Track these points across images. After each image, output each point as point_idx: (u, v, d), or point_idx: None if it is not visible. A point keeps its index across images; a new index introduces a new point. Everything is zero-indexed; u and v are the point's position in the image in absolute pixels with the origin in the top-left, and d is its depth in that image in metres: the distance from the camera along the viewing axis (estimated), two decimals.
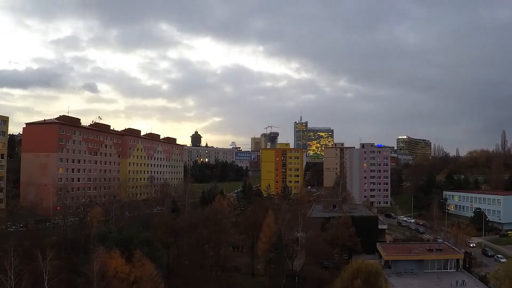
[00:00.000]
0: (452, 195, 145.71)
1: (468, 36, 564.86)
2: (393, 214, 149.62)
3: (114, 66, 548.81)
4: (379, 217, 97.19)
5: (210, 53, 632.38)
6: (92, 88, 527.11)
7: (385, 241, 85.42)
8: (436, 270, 61.32)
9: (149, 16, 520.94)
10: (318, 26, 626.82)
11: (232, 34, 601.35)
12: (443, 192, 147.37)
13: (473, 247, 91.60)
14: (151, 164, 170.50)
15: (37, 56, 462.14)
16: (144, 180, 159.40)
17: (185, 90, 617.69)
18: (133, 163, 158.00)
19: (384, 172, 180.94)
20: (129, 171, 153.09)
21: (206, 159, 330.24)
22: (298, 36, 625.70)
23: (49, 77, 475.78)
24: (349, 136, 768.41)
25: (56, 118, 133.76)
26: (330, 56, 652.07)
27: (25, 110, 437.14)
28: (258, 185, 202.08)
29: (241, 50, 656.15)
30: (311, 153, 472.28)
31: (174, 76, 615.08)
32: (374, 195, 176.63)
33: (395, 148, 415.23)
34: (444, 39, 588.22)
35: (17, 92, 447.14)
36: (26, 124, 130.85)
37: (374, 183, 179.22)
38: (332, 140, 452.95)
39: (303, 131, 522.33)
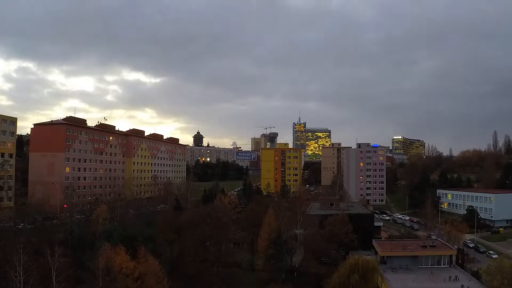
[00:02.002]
0: (446, 193, 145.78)
1: None
2: (389, 212, 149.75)
3: (71, 87, 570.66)
4: (375, 214, 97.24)
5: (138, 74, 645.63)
6: (64, 102, 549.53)
7: (381, 238, 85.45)
8: (430, 266, 61.40)
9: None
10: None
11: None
12: (437, 190, 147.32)
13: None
14: (155, 164, 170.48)
15: (7, 77, 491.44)
16: (148, 179, 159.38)
17: (140, 102, 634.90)
18: (138, 163, 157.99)
19: (379, 171, 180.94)
20: (134, 170, 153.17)
21: (208, 159, 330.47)
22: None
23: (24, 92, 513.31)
24: (346, 136, 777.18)
25: (63, 119, 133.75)
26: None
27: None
28: (258, 183, 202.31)
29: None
30: (310, 152, 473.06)
31: (122, 92, 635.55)
32: (370, 193, 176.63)
33: (391, 148, 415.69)
34: None
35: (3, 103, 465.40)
36: (34, 124, 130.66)
37: (370, 182, 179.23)
38: (330, 140, 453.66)
39: (301, 132, 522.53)
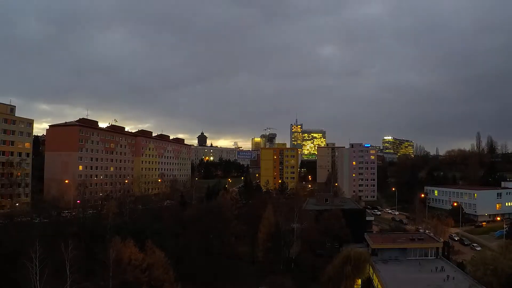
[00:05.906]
0: (432, 190, 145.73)
1: None
2: (379, 207, 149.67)
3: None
4: (366, 210, 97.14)
5: None
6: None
7: (372, 231, 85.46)
8: (418, 258, 61.50)
9: None
10: None
11: None
12: (424, 187, 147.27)
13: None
14: (162, 162, 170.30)
15: None
16: (155, 177, 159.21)
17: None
18: (146, 161, 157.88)
19: (371, 169, 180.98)
20: (142, 168, 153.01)
21: (211, 158, 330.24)
22: None
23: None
24: (340, 136, 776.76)
25: (76, 121, 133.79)
26: None
27: None
28: (258, 181, 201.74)
29: None
30: (306, 152, 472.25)
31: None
32: (362, 190, 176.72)
33: (381, 147, 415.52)
34: None
35: None
36: (50, 126, 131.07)
37: (362, 179, 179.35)
38: (325, 140, 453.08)
39: (298, 132, 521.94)
